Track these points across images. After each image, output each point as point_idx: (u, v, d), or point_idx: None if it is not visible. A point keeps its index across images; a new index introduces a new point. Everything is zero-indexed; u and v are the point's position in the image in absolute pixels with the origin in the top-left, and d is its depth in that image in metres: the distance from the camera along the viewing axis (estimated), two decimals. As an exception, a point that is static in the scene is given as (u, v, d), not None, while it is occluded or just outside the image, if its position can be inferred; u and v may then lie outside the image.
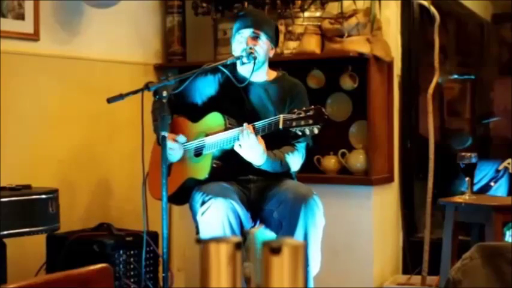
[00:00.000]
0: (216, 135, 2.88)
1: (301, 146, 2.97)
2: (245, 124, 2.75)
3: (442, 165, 3.97)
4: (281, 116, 2.69)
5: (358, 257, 3.77)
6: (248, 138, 2.72)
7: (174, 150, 2.97)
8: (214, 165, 2.89)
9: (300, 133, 2.68)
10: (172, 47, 4.20)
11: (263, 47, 2.96)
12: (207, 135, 2.94)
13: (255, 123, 2.77)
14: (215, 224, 2.71)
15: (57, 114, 3.62)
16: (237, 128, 2.81)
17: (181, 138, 2.99)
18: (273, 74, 3.11)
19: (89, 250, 3.25)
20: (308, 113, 2.62)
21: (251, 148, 2.75)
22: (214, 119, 2.94)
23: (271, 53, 3.04)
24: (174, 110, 3.02)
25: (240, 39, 2.96)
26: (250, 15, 3.03)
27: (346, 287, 3.72)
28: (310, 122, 2.61)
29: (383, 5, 3.78)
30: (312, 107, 2.64)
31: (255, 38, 2.95)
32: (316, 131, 2.64)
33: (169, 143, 2.92)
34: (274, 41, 3.05)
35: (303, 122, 2.62)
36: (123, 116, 3.82)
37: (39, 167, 3.51)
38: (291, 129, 2.66)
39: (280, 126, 2.67)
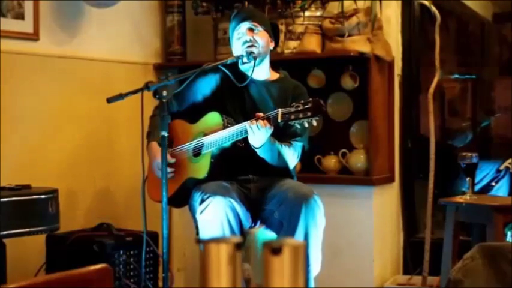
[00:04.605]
0: (214, 134, 2.88)
1: (297, 145, 2.96)
2: (248, 121, 2.73)
3: (443, 165, 3.96)
4: (279, 110, 2.67)
5: (359, 257, 3.77)
6: (261, 130, 2.70)
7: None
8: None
9: (299, 126, 2.66)
10: (172, 47, 4.19)
11: (262, 38, 2.99)
12: (205, 135, 2.93)
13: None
14: (214, 222, 2.71)
15: (57, 114, 3.61)
16: (235, 126, 2.81)
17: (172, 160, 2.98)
18: (276, 75, 3.13)
19: (89, 250, 3.25)
20: (306, 106, 2.60)
21: (262, 137, 2.73)
22: (212, 118, 2.94)
23: (272, 45, 3.06)
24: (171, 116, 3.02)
25: (239, 35, 2.98)
26: (243, 11, 3.12)
27: (347, 287, 3.71)
28: (309, 114, 2.59)
29: (384, 4, 3.77)
30: (310, 99, 2.63)
31: (252, 29, 2.98)
32: (314, 123, 2.63)
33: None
34: (272, 35, 3.08)
35: (301, 115, 2.60)
36: (123, 116, 3.81)
37: (39, 167, 3.50)
38: (289, 122, 2.64)
39: (279, 119, 2.65)
